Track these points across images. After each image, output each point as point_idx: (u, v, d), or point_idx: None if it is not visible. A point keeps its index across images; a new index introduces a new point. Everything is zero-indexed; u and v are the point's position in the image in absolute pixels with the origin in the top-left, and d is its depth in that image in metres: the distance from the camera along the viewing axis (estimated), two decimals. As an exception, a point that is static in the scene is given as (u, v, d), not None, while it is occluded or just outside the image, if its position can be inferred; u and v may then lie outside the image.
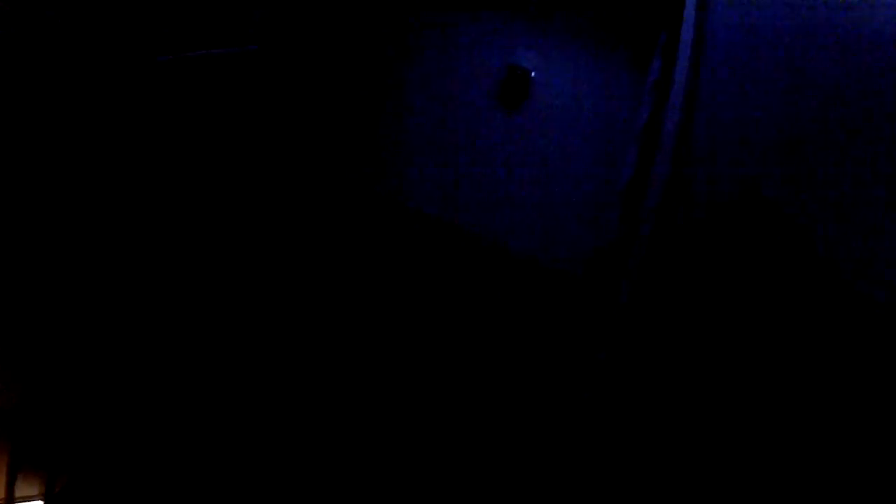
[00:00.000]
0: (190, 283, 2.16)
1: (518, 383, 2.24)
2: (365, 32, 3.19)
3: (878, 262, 0.90)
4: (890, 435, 0.76)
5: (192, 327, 2.06)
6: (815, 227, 1.17)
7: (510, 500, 1.94)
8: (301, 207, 2.66)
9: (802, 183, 1.31)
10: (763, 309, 1.18)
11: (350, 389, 2.06)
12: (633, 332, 1.42)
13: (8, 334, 1.89)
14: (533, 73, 2.75)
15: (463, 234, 2.61)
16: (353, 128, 2.94)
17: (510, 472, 2.01)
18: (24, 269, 1.94)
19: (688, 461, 1.11)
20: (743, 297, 1.25)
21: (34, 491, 1.94)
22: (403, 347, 2.27)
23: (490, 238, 2.66)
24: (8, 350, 1.88)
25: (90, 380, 1.88)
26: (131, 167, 2.31)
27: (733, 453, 1.03)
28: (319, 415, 1.95)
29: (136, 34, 2.37)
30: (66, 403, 1.86)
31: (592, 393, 1.31)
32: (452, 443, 2.01)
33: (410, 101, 2.95)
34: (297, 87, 3.09)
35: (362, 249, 2.57)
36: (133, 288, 2.07)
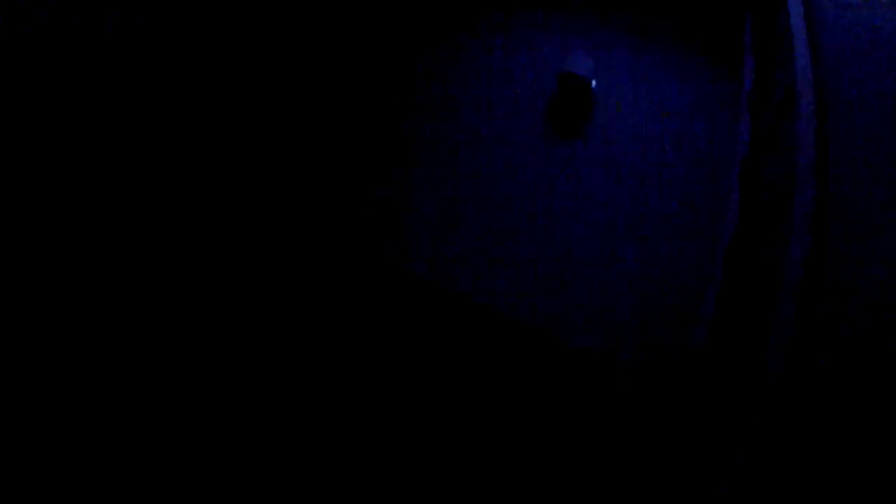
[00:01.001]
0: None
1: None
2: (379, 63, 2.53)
3: None
4: None
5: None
6: None
7: None
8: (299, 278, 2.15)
9: None
10: None
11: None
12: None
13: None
14: (593, 83, 2.14)
15: (496, 316, 2.04)
16: (356, 186, 2.38)
17: None
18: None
19: None
20: None
21: None
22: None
23: (539, 325, 2.04)
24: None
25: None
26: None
27: None
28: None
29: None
30: None
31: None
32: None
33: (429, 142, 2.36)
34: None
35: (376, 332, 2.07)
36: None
